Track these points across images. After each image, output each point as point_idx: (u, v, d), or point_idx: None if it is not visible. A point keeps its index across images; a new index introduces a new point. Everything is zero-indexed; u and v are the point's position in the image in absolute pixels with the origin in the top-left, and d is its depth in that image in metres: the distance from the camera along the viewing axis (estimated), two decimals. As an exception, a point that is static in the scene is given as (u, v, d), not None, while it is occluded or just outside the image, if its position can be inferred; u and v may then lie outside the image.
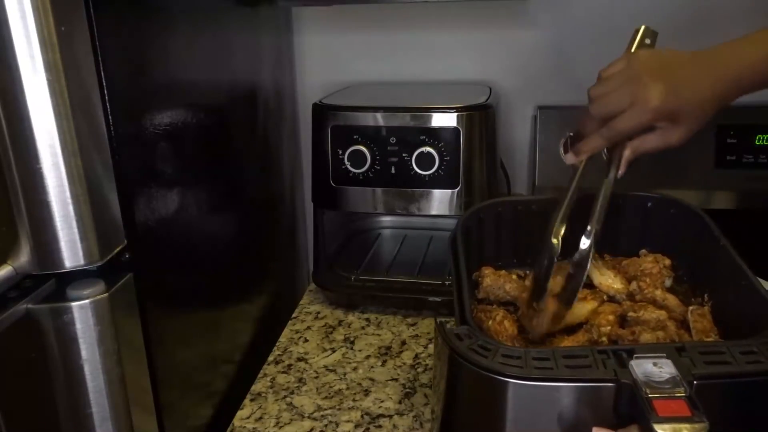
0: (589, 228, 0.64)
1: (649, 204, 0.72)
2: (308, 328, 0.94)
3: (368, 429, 0.72)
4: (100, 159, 0.55)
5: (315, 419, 0.74)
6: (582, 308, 0.63)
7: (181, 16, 0.71)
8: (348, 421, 0.74)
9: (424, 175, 0.90)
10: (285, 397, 0.79)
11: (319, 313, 0.98)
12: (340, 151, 0.93)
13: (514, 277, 0.69)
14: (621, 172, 0.68)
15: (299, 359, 0.86)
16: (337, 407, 0.76)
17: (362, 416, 0.74)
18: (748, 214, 1.04)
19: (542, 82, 1.14)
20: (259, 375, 0.83)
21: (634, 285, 0.66)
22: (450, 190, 0.91)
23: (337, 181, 0.94)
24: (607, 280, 0.67)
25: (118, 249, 0.58)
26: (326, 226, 1.03)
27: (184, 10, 0.72)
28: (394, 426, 0.73)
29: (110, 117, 0.56)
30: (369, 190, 0.94)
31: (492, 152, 0.94)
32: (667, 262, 0.67)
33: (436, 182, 0.91)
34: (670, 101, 0.62)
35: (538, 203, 0.73)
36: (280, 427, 0.73)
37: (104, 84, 0.55)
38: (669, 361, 0.45)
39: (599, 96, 0.67)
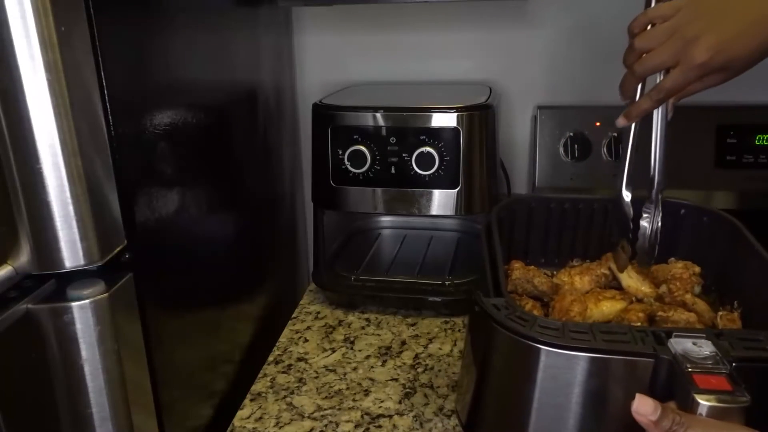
0: (654, 176, 0.66)
1: (682, 211, 0.72)
2: (308, 328, 0.94)
3: (368, 429, 0.72)
4: (100, 159, 0.55)
5: (315, 419, 0.74)
6: (611, 307, 0.63)
7: (181, 16, 0.71)
8: (348, 421, 0.74)
9: (424, 175, 0.90)
10: (285, 397, 0.79)
11: (319, 313, 0.98)
12: (340, 151, 0.93)
13: (542, 272, 0.68)
14: (671, 115, 0.71)
15: (299, 359, 0.86)
16: (337, 407, 0.76)
17: (362, 416, 0.74)
18: (748, 214, 1.04)
19: (542, 82, 1.15)
20: (259, 375, 0.83)
21: (663, 288, 0.65)
22: (450, 190, 0.91)
23: (337, 181, 0.94)
24: (636, 283, 0.67)
25: (118, 249, 0.58)
26: (326, 226, 1.03)
27: (184, 10, 0.72)
28: (394, 426, 0.73)
29: (110, 117, 0.56)
30: (369, 190, 0.94)
31: (492, 152, 0.94)
32: (697, 269, 0.67)
33: (436, 182, 0.91)
34: (718, 58, 0.60)
35: (570, 202, 0.73)
36: (280, 427, 0.73)
37: (104, 84, 0.55)
38: (708, 342, 0.45)
39: (643, 49, 0.64)
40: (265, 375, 0.83)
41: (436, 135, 0.89)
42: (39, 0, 0.48)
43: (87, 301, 0.55)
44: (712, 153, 1.02)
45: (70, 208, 0.53)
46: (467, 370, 0.56)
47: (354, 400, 0.77)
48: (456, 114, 0.89)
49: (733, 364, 0.43)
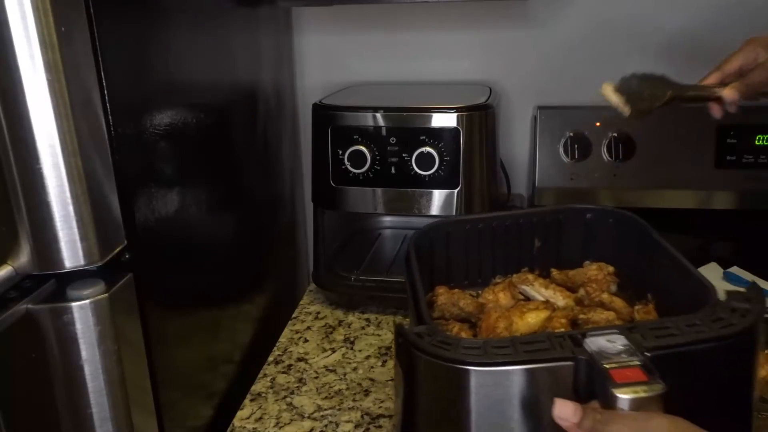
0: None
1: (588, 215, 0.73)
2: (308, 328, 0.94)
3: (368, 429, 0.72)
4: (100, 159, 0.55)
5: (315, 419, 0.74)
6: (536, 317, 0.63)
7: (181, 16, 0.71)
8: (348, 421, 0.74)
9: (424, 176, 0.90)
10: (285, 397, 0.79)
11: (319, 313, 0.98)
12: (340, 151, 0.93)
13: (467, 294, 0.69)
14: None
15: (299, 359, 0.86)
16: (337, 407, 0.76)
17: (362, 416, 0.74)
18: (748, 214, 1.04)
19: (542, 82, 1.15)
20: (259, 375, 0.83)
21: (581, 291, 0.67)
22: (450, 191, 0.91)
23: (337, 181, 0.94)
24: (550, 296, 0.68)
25: (118, 249, 0.58)
26: (326, 226, 1.03)
27: (184, 10, 0.72)
28: (394, 426, 0.73)
29: (110, 117, 0.56)
30: (369, 190, 0.94)
31: (492, 152, 0.94)
32: (611, 269, 0.68)
33: (436, 182, 0.91)
34: None
35: (484, 221, 0.73)
36: (280, 427, 0.73)
37: (104, 84, 0.55)
38: (621, 336, 0.47)
39: None
40: (265, 375, 0.83)
41: (436, 135, 0.89)
42: (39, 0, 0.48)
43: (87, 301, 0.55)
44: (712, 153, 1.03)
45: (70, 208, 0.53)
46: (400, 402, 0.55)
47: (354, 400, 0.77)
48: (456, 114, 0.89)
49: (647, 354, 0.45)
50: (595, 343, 0.46)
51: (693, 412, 0.42)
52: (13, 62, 0.48)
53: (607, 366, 0.44)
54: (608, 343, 0.46)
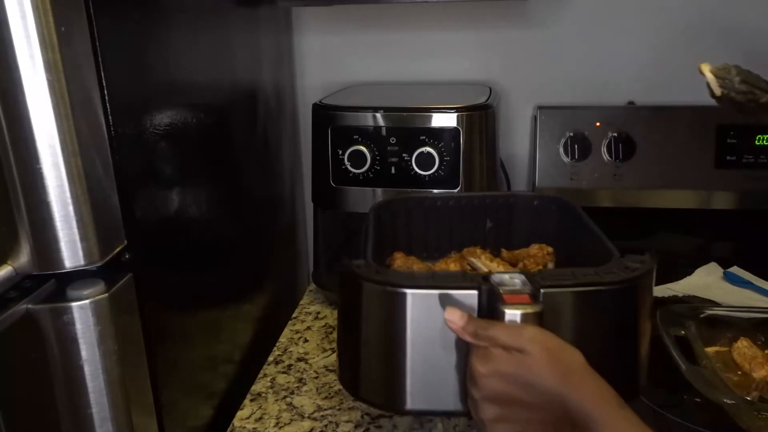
0: None
1: (535, 203, 0.81)
2: (308, 328, 0.94)
3: (368, 429, 0.72)
4: (100, 159, 0.55)
5: (315, 419, 0.74)
6: None
7: (181, 16, 0.71)
8: (348, 421, 0.74)
9: (424, 176, 0.90)
10: (285, 397, 0.79)
11: (319, 313, 0.98)
12: (340, 151, 0.93)
13: (422, 262, 0.74)
14: None
15: (299, 359, 0.86)
16: (337, 407, 0.76)
17: (362, 416, 0.74)
18: (748, 214, 1.04)
19: (542, 82, 1.15)
20: (259, 375, 0.83)
21: (520, 265, 0.73)
22: (450, 191, 0.91)
23: (337, 181, 0.94)
24: (493, 269, 0.72)
25: (118, 249, 0.58)
26: (326, 226, 1.03)
27: (184, 10, 0.72)
28: (394, 426, 0.73)
29: (110, 117, 0.56)
30: (369, 190, 0.94)
31: (492, 152, 0.94)
32: (550, 249, 0.74)
33: (436, 182, 0.91)
34: None
35: (442, 200, 0.81)
36: (280, 427, 0.73)
37: (104, 84, 0.55)
38: (522, 276, 0.56)
39: None
40: (265, 375, 0.83)
41: (436, 135, 0.89)
42: (39, 0, 0.48)
43: (87, 301, 0.55)
44: (712, 153, 1.03)
45: (70, 208, 0.53)
46: (343, 336, 0.64)
47: (354, 400, 0.77)
48: (456, 114, 0.89)
49: (541, 291, 0.54)
50: (499, 278, 0.56)
51: (583, 346, 0.51)
52: (13, 62, 0.48)
53: (501, 291, 0.54)
54: (509, 279, 0.56)
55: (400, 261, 0.73)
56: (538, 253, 0.74)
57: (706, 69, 0.75)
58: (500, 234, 0.80)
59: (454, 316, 0.54)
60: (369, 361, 0.60)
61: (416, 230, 0.80)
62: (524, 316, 0.52)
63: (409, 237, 0.80)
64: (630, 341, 0.58)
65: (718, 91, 0.74)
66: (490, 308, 0.54)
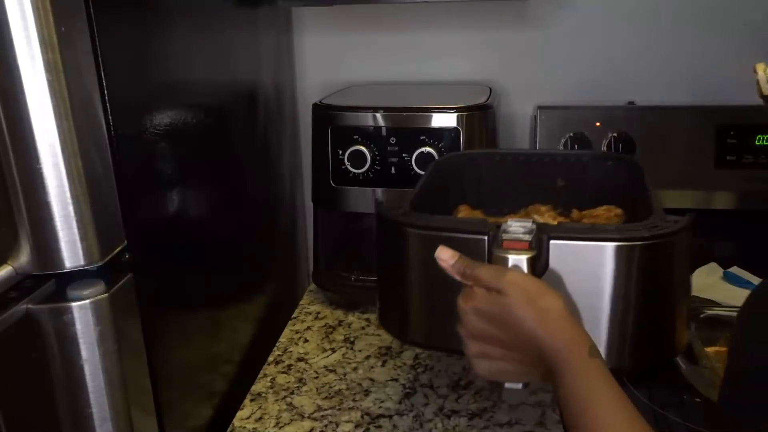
0: None
1: (609, 163, 0.80)
2: (308, 328, 0.94)
3: (368, 429, 0.72)
4: (100, 159, 0.55)
5: (315, 419, 0.74)
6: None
7: (181, 16, 0.71)
8: (348, 421, 0.74)
9: (424, 175, 0.90)
10: (285, 397, 0.79)
11: (319, 313, 0.98)
12: (340, 151, 0.93)
13: (486, 217, 0.74)
14: None
15: (299, 359, 0.86)
16: (337, 407, 0.76)
17: (362, 416, 0.74)
18: (748, 214, 1.04)
19: (542, 82, 1.15)
20: (259, 375, 0.83)
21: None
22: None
23: (337, 181, 0.94)
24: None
25: (118, 249, 0.58)
26: (326, 226, 1.03)
27: (184, 10, 0.72)
28: (394, 426, 0.73)
29: (110, 117, 0.56)
30: (369, 190, 0.94)
31: (492, 152, 0.94)
32: (619, 211, 0.73)
33: (436, 182, 0.91)
34: None
35: (513, 155, 0.82)
36: (280, 427, 0.73)
37: (104, 84, 0.55)
38: (533, 225, 0.57)
39: None
40: (265, 375, 0.83)
41: (436, 135, 0.89)
42: (39, 0, 0.48)
43: (87, 301, 0.55)
44: (712, 153, 1.02)
45: (70, 208, 0.53)
46: (383, 280, 0.66)
47: (354, 400, 0.77)
48: (456, 114, 0.89)
49: (551, 241, 0.55)
50: (511, 226, 0.57)
51: (599, 301, 0.54)
52: (13, 62, 0.48)
53: (503, 237, 0.55)
54: (519, 228, 0.57)
55: (463, 213, 0.73)
56: (604, 215, 0.72)
57: (760, 68, 0.75)
58: (572, 193, 0.79)
59: (445, 254, 0.56)
60: (405, 302, 0.63)
61: (487, 186, 0.81)
62: (513, 260, 0.53)
63: (478, 192, 0.81)
64: (657, 301, 0.57)
65: (765, 90, 0.74)
66: (489, 254, 0.56)
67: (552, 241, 0.55)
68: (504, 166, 0.81)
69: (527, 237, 0.55)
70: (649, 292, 0.57)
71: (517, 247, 0.54)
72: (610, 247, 0.55)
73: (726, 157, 1.02)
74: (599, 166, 0.80)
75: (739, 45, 1.06)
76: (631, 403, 0.46)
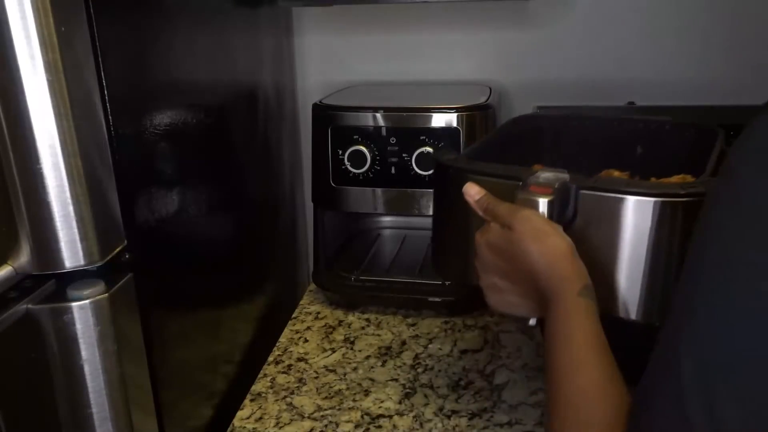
0: None
1: (689, 131, 0.78)
2: (308, 328, 0.94)
3: (368, 429, 0.72)
4: (100, 159, 0.55)
5: (315, 419, 0.74)
6: None
7: (182, 16, 0.71)
8: (348, 421, 0.74)
9: (424, 175, 0.90)
10: (285, 397, 0.79)
11: (319, 313, 0.98)
12: (340, 151, 0.93)
13: None
14: None
15: (299, 359, 0.86)
16: (337, 407, 0.76)
17: (362, 416, 0.74)
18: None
19: (542, 82, 1.14)
20: (259, 375, 0.83)
21: None
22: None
23: (337, 181, 0.94)
24: None
25: (118, 249, 0.58)
26: (326, 226, 1.03)
27: (184, 10, 0.72)
28: (394, 426, 0.73)
29: (110, 117, 0.56)
30: (369, 190, 0.94)
31: (492, 152, 0.94)
32: (691, 179, 0.71)
33: (436, 182, 0.91)
34: None
35: (590, 120, 0.82)
36: (280, 427, 0.73)
37: (104, 84, 0.55)
38: (566, 176, 0.58)
39: None
40: (265, 375, 0.83)
41: (436, 135, 0.89)
42: (39, 0, 0.48)
43: (87, 301, 0.55)
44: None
45: (70, 208, 0.53)
46: (434, 223, 0.70)
47: (354, 400, 0.77)
48: (456, 114, 0.89)
49: (580, 192, 0.57)
50: (543, 174, 0.59)
51: (625, 255, 0.55)
52: (13, 62, 0.48)
53: (531, 182, 0.57)
54: (551, 176, 0.58)
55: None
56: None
57: None
58: (650, 161, 0.77)
59: (472, 190, 0.59)
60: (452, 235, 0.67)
61: (564, 148, 0.81)
62: (531, 201, 0.56)
63: (555, 153, 0.80)
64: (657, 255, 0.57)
65: None
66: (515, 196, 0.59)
67: (582, 192, 0.56)
68: (582, 129, 0.81)
69: (555, 184, 0.57)
70: (679, 251, 0.56)
71: (540, 191, 0.56)
72: (633, 200, 0.55)
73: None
74: (679, 135, 0.78)
75: (739, 45, 1.06)
76: (609, 351, 0.47)
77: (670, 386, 0.36)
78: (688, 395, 0.34)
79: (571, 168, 0.77)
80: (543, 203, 0.55)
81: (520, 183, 0.58)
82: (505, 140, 0.79)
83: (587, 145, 0.80)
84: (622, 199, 0.55)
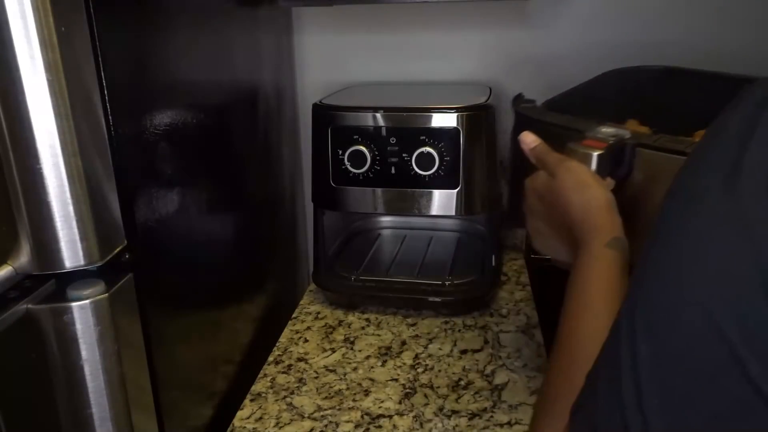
0: None
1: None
2: (308, 328, 0.94)
3: (368, 429, 0.72)
4: (100, 159, 0.55)
5: (315, 419, 0.74)
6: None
7: (182, 16, 0.71)
8: (348, 422, 0.74)
9: (424, 176, 0.90)
10: (285, 397, 0.79)
11: (319, 313, 0.98)
12: (340, 151, 0.93)
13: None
14: None
15: (299, 359, 0.86)
16: (337, 407, 0.76)
17: (362, 416, 0.74)
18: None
19: (542, 82, 1.14)
20: (259, 375, 0.83)
21: None
22: (450, 191, 0.91)
23: (337, 182, 0.94)
24: None
25: (118, 249, 0.58)
26: (326, 226, 1.03)
27: (184, 11, 0.72)
28: (394, 426, 0.73)
29: (110, 117, 0.56)
30: (369, 191, 0.94)
31: (492, 152, 0.94)
32: None
33: (436, 182, 0.91)
34: None
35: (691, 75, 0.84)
36: (280, 428, 0.73)
37: (104, 84, 0.55)
38: (626, 132, 0.60)
39: None
40: (265, 375, 0.83)
41: (436, 135, 0.89)
42: (39, 0, 0.48)
43: (87, 301, 0.55)
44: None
45: (70, 208, 0.53)
46: (514, 173, 0.77)
47: (354, 400, 0.77)
48: (456, 114, 0.89)
49: (636, 149, 0.59)
50: (604, 129, 0.61)
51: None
52: (13, 62, 0.48)
53: (587, 135, 0.59)
54: (610, 131, 0.60)
55: (630, 127, 0.73)
56: None
57: None
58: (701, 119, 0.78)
59: (528, 138, 0.62)
60: None
61: (660, 103, 0.81)
62: (580, 153, 0.58)
63: (649, 108, 0.80)
64: None
65: None
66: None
67: (642, 150, 0.58)
68: (681, 85, 0.81)
69: (611, 140, 0.58)
70: None
71: (592, 144, 0.58)
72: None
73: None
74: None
75: (740, 45, 1.06)
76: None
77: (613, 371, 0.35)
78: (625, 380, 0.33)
79: (662, 124, 0.76)
80: (590, 156, 0.57)
81: (581, 132, 0.60)
82: (590, 93, 0.80)
83: (682, 102, 0.80)
84: (678, 159, 0.56)
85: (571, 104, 0.73)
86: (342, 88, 1.12)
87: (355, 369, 0.83)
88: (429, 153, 0.89)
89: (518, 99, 0.68)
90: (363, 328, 0.93)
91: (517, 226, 0.75)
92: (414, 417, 0.74)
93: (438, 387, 0.79)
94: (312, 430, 0.73)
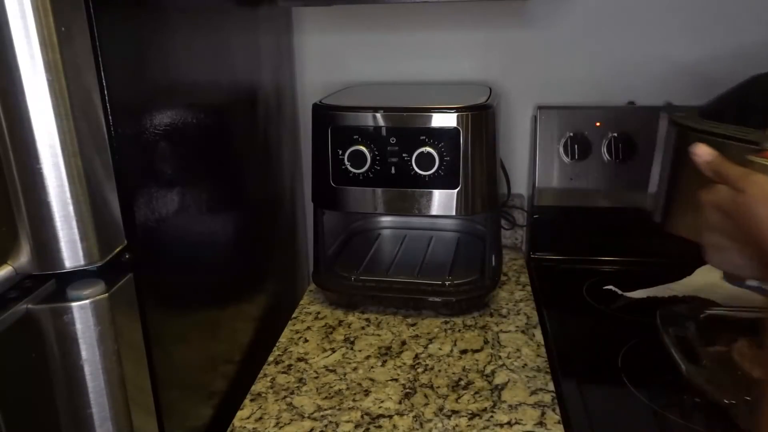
0: None
1: None
2: (308, 328, 0.94)
3: (368, 429, 0.72)
4: (100, 159, 0.55)
5: (315, 419, 0.74)
6: None
7: (181, 16, 0.71)
8: (348, 422, 0.74)
9: (424, 176, 0.90)
10: (285, 397, 0.79)
11: (319, 313, 0.98)
12: (340, 151, 0.93)
13: None
14: None
15: (299, 359, 0.86)
16: (337, 407, 0.76)
17: (362, 416, 0.74)
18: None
19: (542, 82, 1.15)
20: (259, 375, 0.83)
21: None
22: (450, 191, 0.91)
23: (337, 181, 0.94)
24: None
25: (118, 249, 0.58)
26: (326, 226, 1.03)
27: (184, 10, 0.72)
28: (394, 426, 0.73)
29: (110, 117, 0.56)
30: (369, 191, 0.94)
31: (492, 152, 0.94)
32: None
33: (436, 182, 0.91)
34: None
35: None
36: (280, 428, 0.73)
37: (104, 84, 0.55)
38: None
39: None
40: (265, 375, 0.83)
41: (436, 135, 0.89)
42: (39, 0, 0.48)
43: (87, 301, 0.55)
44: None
45: (70, 208, 0.53)
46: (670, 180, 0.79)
47: (354, 400, 0.77)
48: (456, 114, 0.89)
49: None
50: None
51: None
52: (13, 62, 0.48)
53: (766, 147, 0.59)
54: None
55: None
56: None
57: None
58: None
59: (701, 150, 0.60)
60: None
61: None
62: (761, 166, 0.57)
63: None
64: None
65: None
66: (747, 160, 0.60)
67: None
68: None
69: None
70: None
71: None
72: None
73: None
74: None
75: (740, 45, 1.06)
76: None
77: None
78: None
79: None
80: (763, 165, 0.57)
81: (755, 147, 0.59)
82: (743, 100, 0.78)
83: None
84: None
85: (723, 112, 0.71)
86: (342, 88, 1.12)
87: (355, 369, 0.83)
88: (429, 153, 0.89)
89: (669, 107, 0.66)
90: (363, 328, 0.93)
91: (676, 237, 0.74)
92: (414, 417, 0.74)
93: (438, 387, 0.79)
94: (312, 430, 0.73)
